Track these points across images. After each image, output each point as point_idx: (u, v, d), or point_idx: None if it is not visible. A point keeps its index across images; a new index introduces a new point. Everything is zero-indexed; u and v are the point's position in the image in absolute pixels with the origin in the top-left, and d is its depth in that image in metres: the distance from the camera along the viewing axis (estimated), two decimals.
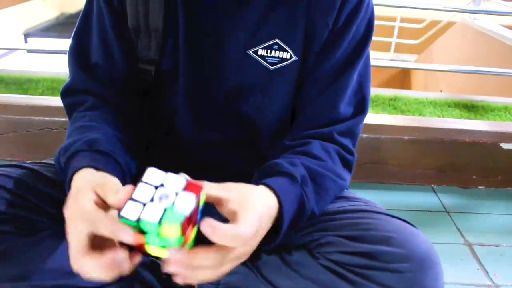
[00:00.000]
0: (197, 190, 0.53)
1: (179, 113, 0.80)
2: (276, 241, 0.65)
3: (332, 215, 0.74)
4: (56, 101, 1.71)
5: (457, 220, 1.64)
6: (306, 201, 0.68)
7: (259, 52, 0.75)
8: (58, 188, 0.71)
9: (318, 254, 0.70)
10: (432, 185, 1.85)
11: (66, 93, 0.80)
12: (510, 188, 1.87)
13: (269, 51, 0.75)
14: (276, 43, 0.75)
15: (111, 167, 0.66)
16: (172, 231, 0.51)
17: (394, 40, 5.28)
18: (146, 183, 0.53)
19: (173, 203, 0.51)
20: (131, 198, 0.52)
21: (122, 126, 0.75)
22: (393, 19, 5.26)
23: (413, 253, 0.64)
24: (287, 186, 0.66)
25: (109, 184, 0.60)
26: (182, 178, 0.53)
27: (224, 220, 0.56)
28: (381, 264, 0.65)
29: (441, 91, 3.46)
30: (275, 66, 0.76)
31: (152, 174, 0.54)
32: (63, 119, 1.67)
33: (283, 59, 0.76)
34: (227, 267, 0.56)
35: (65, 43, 0.82)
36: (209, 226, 0.52)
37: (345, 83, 0.77)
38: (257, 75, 0.76)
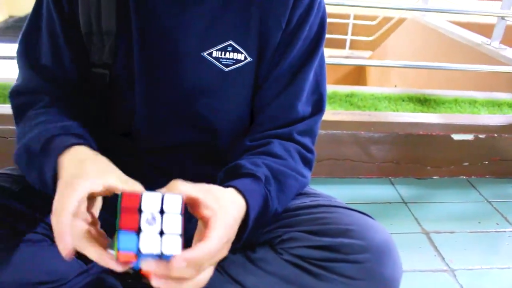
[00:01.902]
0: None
1: (136, 116, 0.78)
2: (241, 241, 0.65)
3: (293, 211, 0.75)
4: (9, 109, 1.65)
5: (414, 210, 1.70)
6: (270, 200, 0.69)
7: (214, 54, 0.75)
8: (14, 198, 0.70)
9: (281, 249, 0.72)
10: (390, 177, 1.91)
11: (16, 93, 0.77)
12: (461, 177, 1.96)
13: (223, 52, 0.75)
14: (230, 45, 0.75)
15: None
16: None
17: (348, 37, 5.40)
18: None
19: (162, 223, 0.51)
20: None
21: (82, 121, 0.73)
22: (347, 17, 5.38)
23: (372, 244, 0.67)
24: (253, 186, 0.67)
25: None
26: (158, 194, 0.52)
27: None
28: (341, 256, 0.67)
29: (395, 86, 3.56)
30: (230, 68, 0.76)
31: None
32: None
33: (238, 61, 0.76)
34: (207, 274, 0.57)
35: (15, 48, 0.79)
36: (183, 261, 0.51)
37: (302, 83, 0.78)
38: (212, 77, 0.76)
